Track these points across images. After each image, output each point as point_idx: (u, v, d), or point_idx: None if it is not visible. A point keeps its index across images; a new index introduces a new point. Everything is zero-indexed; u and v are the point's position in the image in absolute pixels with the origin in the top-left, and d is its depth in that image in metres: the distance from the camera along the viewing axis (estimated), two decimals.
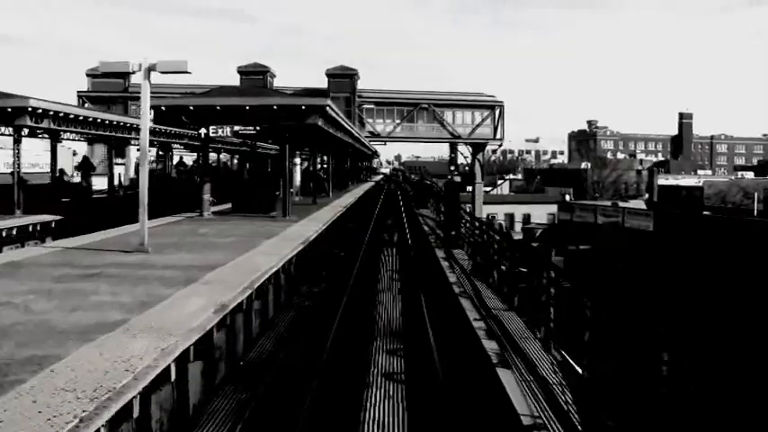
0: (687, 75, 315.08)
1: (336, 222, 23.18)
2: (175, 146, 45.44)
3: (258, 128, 20.26)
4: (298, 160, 31.49)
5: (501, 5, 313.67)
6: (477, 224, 23.42)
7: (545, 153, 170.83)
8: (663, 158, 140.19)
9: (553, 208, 66.74)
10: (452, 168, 28.62)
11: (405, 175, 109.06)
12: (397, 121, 60.06)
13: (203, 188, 21.64)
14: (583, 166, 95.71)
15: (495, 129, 61.37)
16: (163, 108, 20.03)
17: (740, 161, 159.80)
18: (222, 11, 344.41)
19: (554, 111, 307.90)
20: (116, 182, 35.08)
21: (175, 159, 47.58)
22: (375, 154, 76.50)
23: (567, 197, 64.47)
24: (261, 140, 25.85)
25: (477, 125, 61.09)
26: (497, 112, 61.47)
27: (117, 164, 32.66)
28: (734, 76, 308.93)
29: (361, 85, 60.09)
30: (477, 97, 62.12)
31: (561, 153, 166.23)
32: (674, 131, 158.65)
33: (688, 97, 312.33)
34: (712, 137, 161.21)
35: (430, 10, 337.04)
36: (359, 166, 65.74)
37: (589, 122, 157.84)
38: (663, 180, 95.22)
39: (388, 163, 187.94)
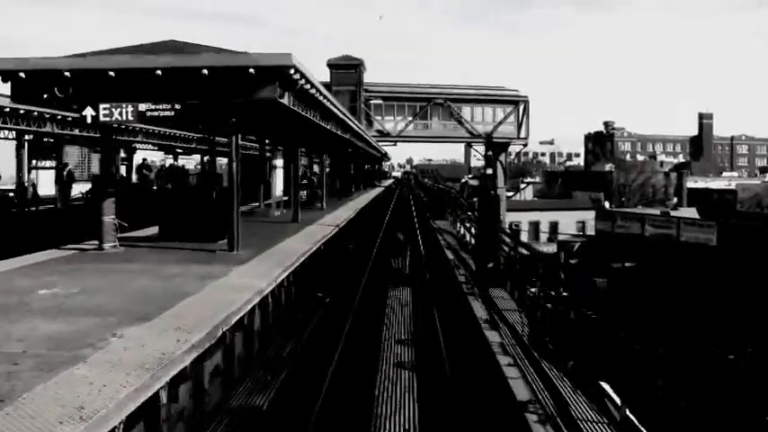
0: (703, 75, 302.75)
1: (314, 258, 14.66)
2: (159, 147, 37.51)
3: (180, 106, 11.81)
4: (279, 162, 23.00)
5: (502, 6, 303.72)
6: (531, 259, 15.05)
7: (560, 155, 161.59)
8: (683, 160, 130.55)
9: (583, 215, 58.02)
10: (489, 172, 20.83)
11: (417, 179, 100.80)
12: (409, 119, 51.43)
13: (102, 206, 13.16)
14: (607, 168, 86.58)
15: (520, 127, 52.63)
16: (22, 75, 11.61)
17: (761, 162, 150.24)
18: (222, 13, 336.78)
19: (566, 112, 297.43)
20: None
21: (171, 164, 39.61)
22: (384, 156, 67.95)
23: (607, 204, 55.53)
24: (206, 129, 17.54)
25: (499, 123, 52.36)
26: (521, 108, 52.73)
27: (42, 168, 24.24)
28: (751, 76, 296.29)
29: (366, 78, 51.67)
30: (499, 91, 53.34)
31: (577, 155, 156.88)
32: (689, 132, 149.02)
33: (704, 98, 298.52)
34: (732, 137, 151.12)
35: (430, 11, 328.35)
36: (365, 169, 57.22)
37: (606, 123, 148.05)
38: (691, 183, 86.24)
39: (400, 166, 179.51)
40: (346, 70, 49.06)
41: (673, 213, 42.59)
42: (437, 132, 52.56)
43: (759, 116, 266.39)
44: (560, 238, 48.00)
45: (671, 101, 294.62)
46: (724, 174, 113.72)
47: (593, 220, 62.41)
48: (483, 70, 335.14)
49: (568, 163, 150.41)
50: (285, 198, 24.44)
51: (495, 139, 52.39)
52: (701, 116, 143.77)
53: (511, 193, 58.40)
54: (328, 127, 19.74)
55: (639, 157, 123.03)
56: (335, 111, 17.60)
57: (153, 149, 39.02)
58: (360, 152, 39.08)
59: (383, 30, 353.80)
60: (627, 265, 38.39)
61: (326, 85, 43.96)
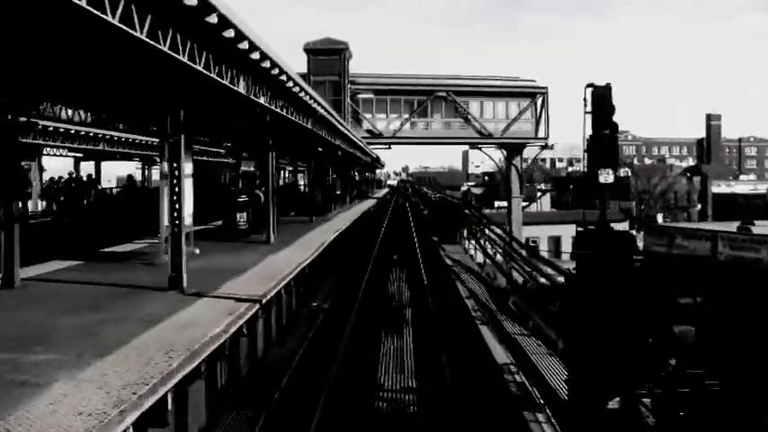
0: (707, 75, 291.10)
1: None
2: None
3: None
4: (184, 167, 12.58)
5: (502, 7, 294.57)
6: None
7: (560, 161, 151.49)
8: (691, 163, 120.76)
9: None
10: (556, 185, 11.47)
11: (414, 188, 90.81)
12: (405, 116, 41.13)
13: None
14: (622, 173, 76.40)
15: (538, 124, 42.31)
16: None
17: None
18: None
19: (565, 115, 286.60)
20: None
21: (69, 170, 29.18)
22: (377, 162, 57.59)
23: (660, 218, 45.16)
24: None
25: (514, 120, 42.13)
26: (539, 101, 42.41)
27: None
28: (757, 76, 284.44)
29: (355, 68, 41.56)
30: (513, 83, 43.07)
31: (578, 161, 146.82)
32: (693, 134, 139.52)
33: (709, 99, 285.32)
34: (740, 139, 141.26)
35: (430, 11, 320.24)
36: (353, 178, 46.83)
37: None
38: (715, 188, 76.43)
39: (396, 174, 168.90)
40: (328, 56, 38.79)
41: (755, 231, 32.20)
42: (439, 133, 42.24)
43: (766, 117, 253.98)
44: None
45: (674, 102, 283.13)
46: (742, 177, 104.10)
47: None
48: (482, 70, 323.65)
49: (570, 169, 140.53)
50: (202, 227, 14.20)
51: (508, 140, 42.27)
52: (708, 117, 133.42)
53: (525, 204, 47.97)
54: (261, 101, 9.45)
55: (647, 161, 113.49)
56: (258, 57, 7.22)
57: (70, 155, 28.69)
58: (339, 155, 28.73)
59: (383, 30, 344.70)
60: (698, 299, 28.15)
61: (303, 76, 33.23)
